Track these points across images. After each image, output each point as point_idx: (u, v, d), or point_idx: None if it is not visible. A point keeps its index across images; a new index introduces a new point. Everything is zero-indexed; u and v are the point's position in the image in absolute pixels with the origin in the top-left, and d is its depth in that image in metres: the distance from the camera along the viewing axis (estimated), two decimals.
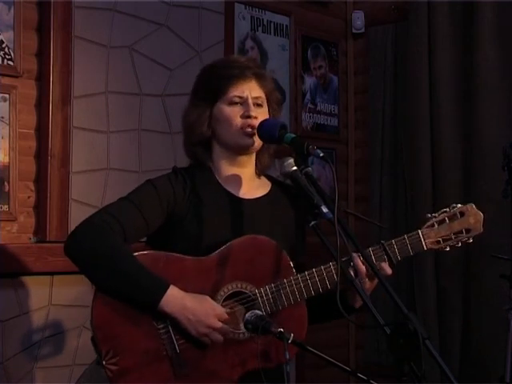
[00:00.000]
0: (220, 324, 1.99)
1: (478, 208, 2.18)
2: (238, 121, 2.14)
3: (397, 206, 4.34)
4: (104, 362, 1.96)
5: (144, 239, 2.18)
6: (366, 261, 1.96)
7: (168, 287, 1.97)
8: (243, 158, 2.20)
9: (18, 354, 2.95)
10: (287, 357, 1.82)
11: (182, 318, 1.97)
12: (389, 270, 2.08)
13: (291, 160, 1.94)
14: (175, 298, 1.97)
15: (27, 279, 2.99)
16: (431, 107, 4.09)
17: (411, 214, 4.15)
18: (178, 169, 2.22)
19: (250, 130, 2.13)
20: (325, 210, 1.84)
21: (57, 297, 3.07)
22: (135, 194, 2.13)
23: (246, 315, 1.96)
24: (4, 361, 2.91)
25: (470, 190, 3.90)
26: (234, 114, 2.14)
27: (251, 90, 2.17)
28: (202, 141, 2.19)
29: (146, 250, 2.10)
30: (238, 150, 2.17)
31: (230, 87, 2.16)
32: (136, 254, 2.03)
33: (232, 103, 2.15)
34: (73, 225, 3.12)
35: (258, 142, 2.15)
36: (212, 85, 2.19)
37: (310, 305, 2.11)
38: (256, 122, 2.12)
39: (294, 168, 1.93)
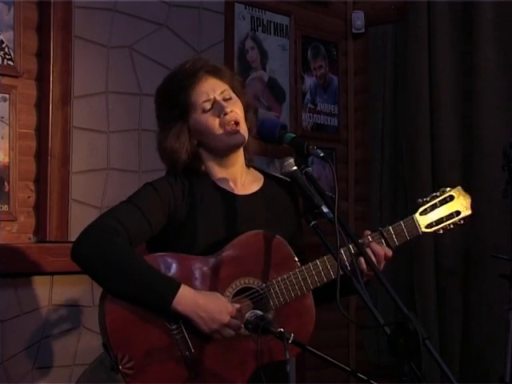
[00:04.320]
0: (232, 320, 2.00)
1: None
2: (218, 122, 2.13)
3: (397, 205, 4.34)
4: (120, 367, 1.96)
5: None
6: (365, 259, 1.97)
7: (179, 287, 1.97)
8: (232, 157, 2.19)
9: (18, 354, 2.95)
10: (287, 357, 1.82)
11: (195, 316, 1.98)
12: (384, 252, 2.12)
13: (291, 160, 1.95)
14: (187, 297, 1.98)
15: (27, 279, 2.99)
16: (431, 107, 4.09)
17: (411, 214, 4.14)
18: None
19: (232, 125, 2.12)
20: (325, 209, 1.84)
21: (57, 297, 3.07)
22: (137, 196, 2.12)
23: (246, 315, 1.96)
24: (4, 361, 2.91)
25: (470, 190, 3.88)
26: (211, 118, 2.13)
27: (213, 88, 2.15)
28: (189, 156, 2.16)
29: (148, 253, 2.10)
30: (228, 151, 2.17)
31: (194, 95, 2.13)
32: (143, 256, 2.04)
33: (204, 110, 2.14)
34: (73, 225, 3.13)
35: (245, 136, 2.15)
36: (175, 101, 2.16)
37: (316, 290, 2.12)
38: (234, 115, 2.12)
39: (294, 168, 1.93)
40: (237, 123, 2.12)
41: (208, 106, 2.13)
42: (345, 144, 4.58)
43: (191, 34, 3.63)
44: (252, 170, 2.28)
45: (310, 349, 1.92)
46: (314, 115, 4.38)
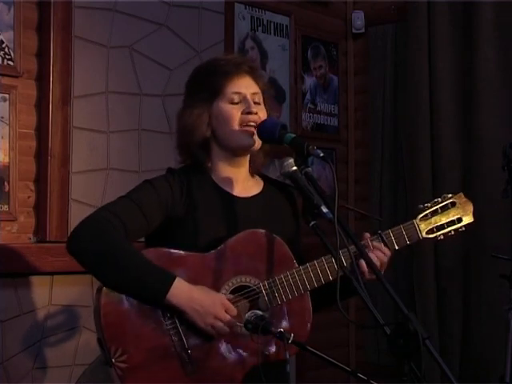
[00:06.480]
0: (227, 315, 1.99)
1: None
2: (239, 118, 2.13)
3: (397, 206, 4.34)
4: (113, 361, 1.95)
5: (143, 240, 2.18)
6: (366, 261, 1.96)
7: (174, 279, 1.97)
8: (240, 159, 2.20)
9: (18, 353, 2.95)
10: (287, 356, 1.82)
11: (189, 310, 1.97)
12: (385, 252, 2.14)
13: (291, 160, 1.95)
14: (182, 290, 1.97)
15: (27, 279, 2.99)
16: (431, 107, 4.09)
17: (411, 215, 4.13)
18: (174, 169, 2.22)
19: (251, 126, 2.12)
20: (325, 210, 1.84)
21: (57, 297, 3.07)
22: (135, 192, 2.13)
23: (246, 315, 1.96)
24: (4, 361, 2.91)
25: (470, 190, 3.89)
26: (235, 111, 2.14)
27: (248, 86, 2.17)
28: (202, 142, 2.17)
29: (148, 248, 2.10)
30: (237, 150, 2.17)
31: (227, 84, 2.15)
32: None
33: (231, 101, 2.15)
34: (73, 225, 3.10)
35: (258, 142, 2.15)
36: (208, 84, 2.17)
37: (313, 293, 2.12)
38: (257, 118, 2.12)
39: (294, 168, 1.93)
40: (256, 127, 2.12)
41: (237, 99, 2.14)
42: (345, 144, 4.58)
43: (191, 34, 3.63)
44: (256, 176, 2.29)
45: (310, 349, 1.92)
46: (314, 115, 4.38)
